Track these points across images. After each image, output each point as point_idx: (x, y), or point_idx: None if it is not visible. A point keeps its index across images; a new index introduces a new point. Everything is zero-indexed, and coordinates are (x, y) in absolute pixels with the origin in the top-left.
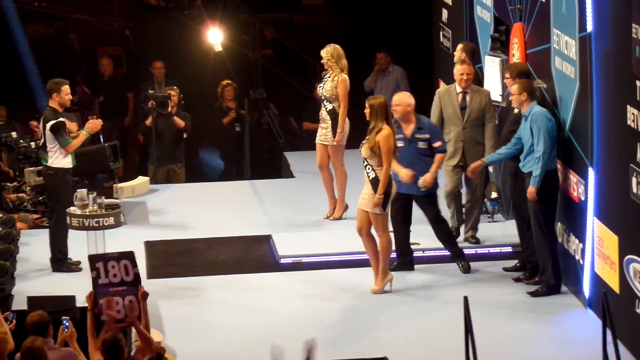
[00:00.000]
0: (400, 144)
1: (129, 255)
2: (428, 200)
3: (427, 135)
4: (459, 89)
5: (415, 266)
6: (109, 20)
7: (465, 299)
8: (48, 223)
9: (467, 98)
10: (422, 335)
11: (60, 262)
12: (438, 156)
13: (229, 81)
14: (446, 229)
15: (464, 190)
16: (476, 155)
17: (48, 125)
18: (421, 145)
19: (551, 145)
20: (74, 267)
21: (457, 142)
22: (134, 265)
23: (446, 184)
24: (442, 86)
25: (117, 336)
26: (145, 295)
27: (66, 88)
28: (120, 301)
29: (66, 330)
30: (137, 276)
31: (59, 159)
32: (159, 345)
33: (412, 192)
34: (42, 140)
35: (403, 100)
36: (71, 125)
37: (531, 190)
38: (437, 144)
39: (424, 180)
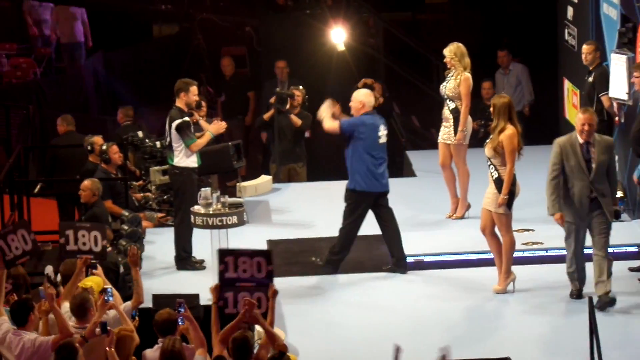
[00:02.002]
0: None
1: (265, 253)
2: (347, 193)
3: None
4: (581, 140)
5: (540, 266)
6: (233, 20)
7: (590, 299)
8: (173, 222)
9: (592, 150)
10: (546, 335)
11: (185, 260)
12: (333, 123)
13: (372, 80)
14: (345, 231)
15: None
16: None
17: (174, 125)
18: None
19: None
20: (198, 265)
21: (582, 197)
22: (269, 263)
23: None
24: (566, 84)
25: (247, 335)
26: (275, 293)
27: (194, 89)
28: (248, 296)
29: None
30: (270, 274)
31: (184, 159)
32: (282, 343)
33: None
34: (167, 140)
35: (356, 97)
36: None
37: None
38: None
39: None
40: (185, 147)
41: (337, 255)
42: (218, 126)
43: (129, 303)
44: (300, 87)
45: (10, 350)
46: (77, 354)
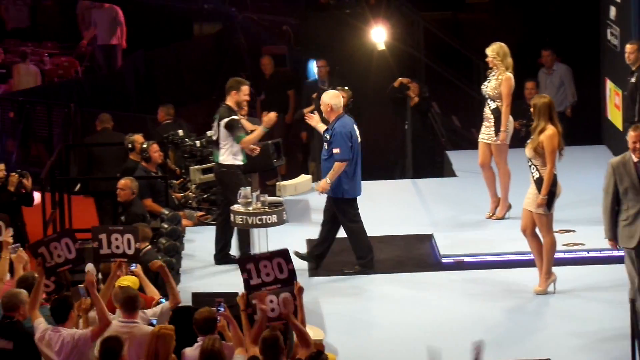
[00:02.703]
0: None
1: (283, 253)
2: (338, 204)
3: (328, 137)
4: (635, 158)
5: (581, 267)
6: (272, 19)
7: (632, 301)
8: (215, 219)
9: None
10: (587, 337)
11: (226, 256)
12: (335, 165)
13: (408, 79)
14: (354, 235)
15: None
16: None
17: (222, 122)
18: (325, 145)
19: None
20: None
21: (637, 220)
22: (289, 261)
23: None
24: (609, 85)
25: (277, 334)
26: (301, 290)
27: (246, 88)
28: (275, 299)
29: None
30: (292, 272)
31: (230, 156)
32: (319, 342)
33: (327, 193)
34: (215, 137)
35: (324, 100)
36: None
37: None
38: (335, 151)
39: (318, 184)
40: (233, 145)
41: (365, 259)
42: (269, 119)
43: (166, 304)
44: (346, 87)
45: (50, 347)
46: (122, 347)
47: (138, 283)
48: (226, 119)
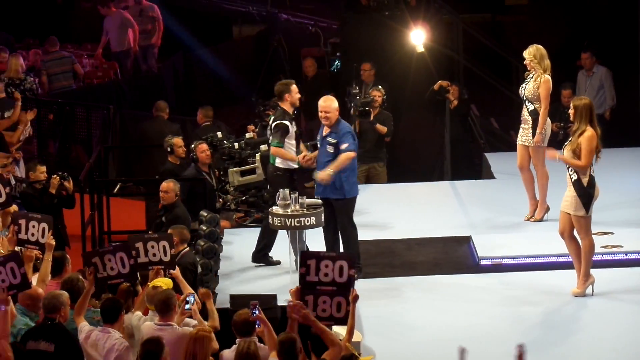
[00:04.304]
0: (316, 142)
1: (348, 257)
2: (341, 204)
3: (334, 140)
4: None
5: (619, 269)
6: (312, 21)
7: None
8: (252, 221)
9: None
10: (625, 340)
11: (265, 256)
12: (341, 155)
13: (447, 82)
14: (354, 238)
15: None
16: None
17: (273, 123)
18: (329, 149)
19: None
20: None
21: None
22: (351, 267)
23: None
24: None
25: (293, 337)
26: (357, 298)
27: (295, 87)
28: (328, 300)
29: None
30: (351, 278)
31: (285, 160)
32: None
33: (327, 195)
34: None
35: (332, 106)
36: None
37: None
38: (343, 146)
39: (317, 173)
40: (289, 148)
41: (360, 265)
42: (307, 159)
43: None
44: (380, 86)
45: (95, 348)
46: (163, 349)
47: (171, 284)
48: (277, 122)
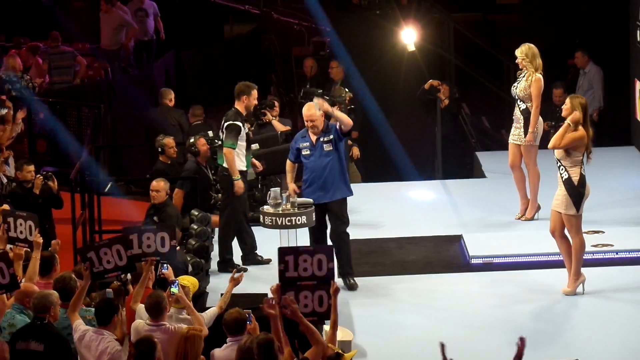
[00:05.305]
0: (306, 152)
1: (326, 250)
2: (341, 205)
3: (329, 138)
4: None
5: (610, 268)
6: (303, 20)
7: None
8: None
9: None
10: (615, 338)
11: (227, 262)
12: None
13: (438, 82)
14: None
15: None
16: None
17: (225, 124)
18: (327, 147)
19: None
20: (262, 259)
21: None
22: (330, 259)
23: None
24: (638, 86)
25: (270, 338)
26: (337, 291)
27: (255, 93)
28: (309, 295)
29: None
30: (330, 271)
31: (236, 161)
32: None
33: (323, 200)
34: (220, 140)
35: (316, 114)
36: (278, 126)
37: None
38: (344, 128)
39: (317, 99)
40: (227, 147)
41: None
42: (239, 189)
43: (214, 309)
44: (347, 89)
45: (89, 349)
46: (156, 348)
47: (197, 284)
48: (229, 122)
